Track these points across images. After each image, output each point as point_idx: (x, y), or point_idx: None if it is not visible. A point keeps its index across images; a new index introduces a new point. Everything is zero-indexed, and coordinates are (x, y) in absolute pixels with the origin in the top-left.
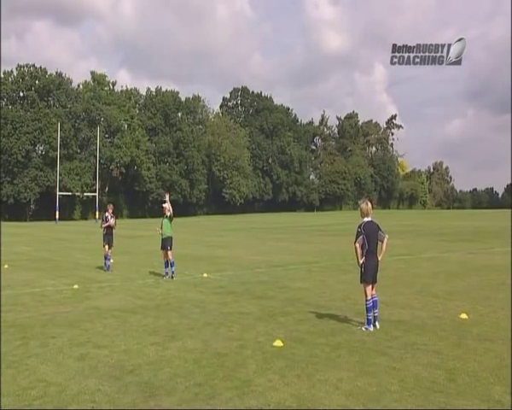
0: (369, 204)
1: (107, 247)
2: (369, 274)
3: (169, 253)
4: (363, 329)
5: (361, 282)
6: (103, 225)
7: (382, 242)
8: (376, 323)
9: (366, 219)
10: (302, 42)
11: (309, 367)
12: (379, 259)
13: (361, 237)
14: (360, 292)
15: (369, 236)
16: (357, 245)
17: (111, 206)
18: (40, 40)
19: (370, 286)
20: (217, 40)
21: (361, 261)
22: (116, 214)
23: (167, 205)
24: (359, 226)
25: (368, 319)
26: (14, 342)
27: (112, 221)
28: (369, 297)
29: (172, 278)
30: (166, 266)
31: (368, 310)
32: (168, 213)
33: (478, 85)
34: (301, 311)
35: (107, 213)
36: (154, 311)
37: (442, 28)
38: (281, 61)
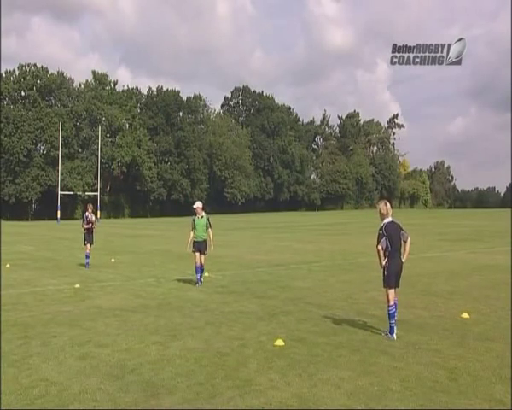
0: (388, 204)
1: (88, 245)
2: (392, 278)
3: (203, 257)
4: (386, 337)
5: (384, 286)
6: (85, 226)
7: (405, 242)
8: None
9: (387, 220)
10: (304, 39)
11: (310, 367)
12: (403, 260)
13: (383, 239)
14: (361, 291)
15: (392, 237)
16: (380, 248)
17: (90, 205)
18: (39, 36)
19: (393, 290)
20: (217, 37)
21: (383, 263)
22: (117, 214)
23: (201, 204)
24: (381, 228)
25: (390, 327)
26: (16, 341)
27: (93, 219)
28: (391, 303)
29: (201, 283)
30: (198, 271)
31: (390, 317)
32: (203, 214)
33: (481, 84)
34: (302, 310)
35: (87, 213)
36: (156, 310)
37: (445, 25)
38: (282, 59)
